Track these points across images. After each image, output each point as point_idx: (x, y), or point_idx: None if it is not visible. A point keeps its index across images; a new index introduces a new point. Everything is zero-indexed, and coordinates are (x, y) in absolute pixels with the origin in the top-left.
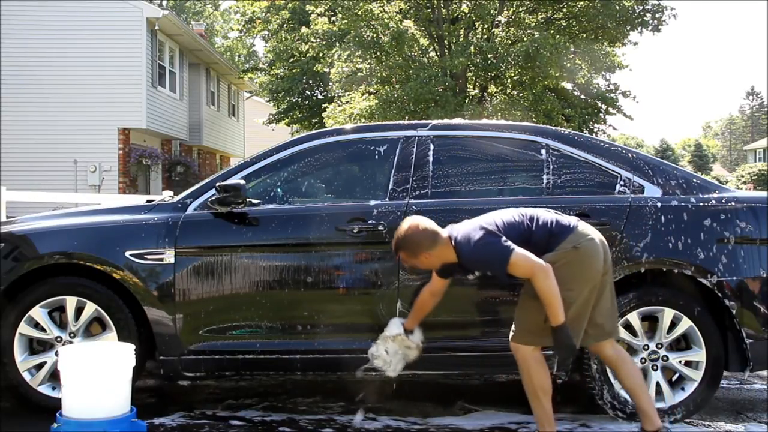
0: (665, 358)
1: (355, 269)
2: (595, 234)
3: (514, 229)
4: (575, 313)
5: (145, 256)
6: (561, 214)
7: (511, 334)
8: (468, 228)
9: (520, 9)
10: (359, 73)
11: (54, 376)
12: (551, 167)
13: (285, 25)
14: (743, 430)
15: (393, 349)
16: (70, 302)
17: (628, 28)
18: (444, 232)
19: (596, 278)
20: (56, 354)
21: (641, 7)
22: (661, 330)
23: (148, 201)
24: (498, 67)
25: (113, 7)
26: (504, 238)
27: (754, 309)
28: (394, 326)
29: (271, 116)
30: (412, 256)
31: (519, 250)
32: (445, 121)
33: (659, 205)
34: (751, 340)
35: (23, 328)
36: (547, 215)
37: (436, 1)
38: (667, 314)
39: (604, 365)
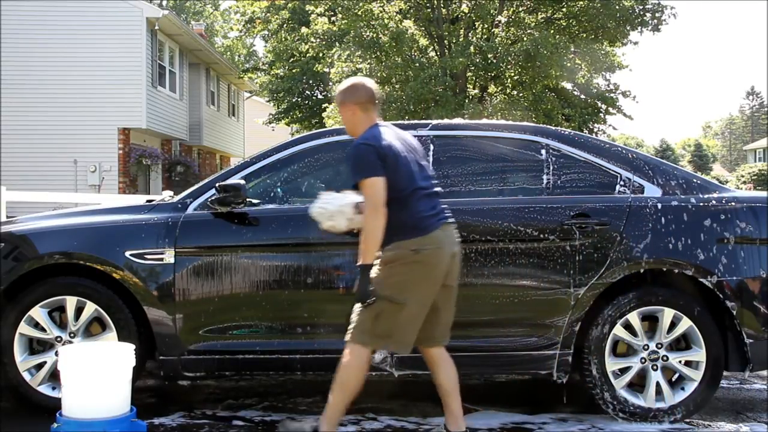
0: (665, 358)
1: (355, 269)
2: (447, 246)
3: (395, 178)
4: (408, 315)
5: (145, 256)
6: (442, 211)
7: (347, 334)
8: (375, 132)
9: (520, 9)
10: (359, 73)
11: (54, 376)
12: (551, 167)
13: (285, 25)
14: (748, 430)
15: (340, 210)
16: (70, 302)
17: (628, 27)
18: (374, 116)
19: (433, 287)
20: (56, 354)
21: (641, 7)
22: (661, 330)
23: (148, 201)
24: (498, 67)
25: (113, 7)
26: (382, 165)
27: (754, 309)
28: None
29: (271, 116)
30: (343, 101)
31: (380, 180)
32: (445, 121)
33: (659, 205)
34: (751, 340)
35: (23, 328)
36: (424, 204)
37: (436, 1)
38: (667, 314)
39: (604, 367)
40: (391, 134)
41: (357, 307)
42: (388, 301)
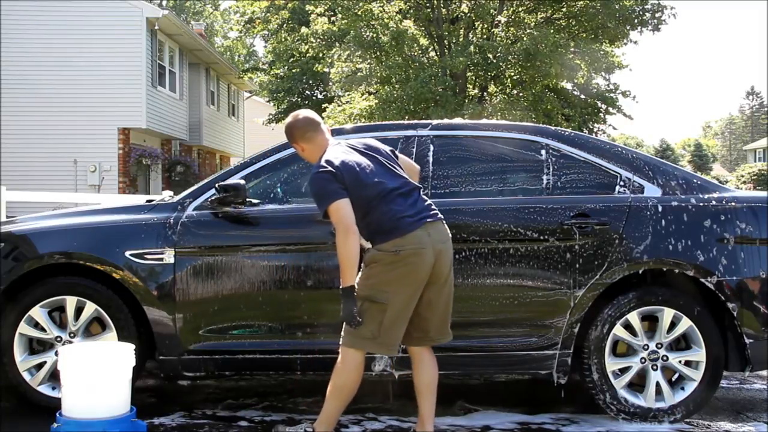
0: (665, 358)
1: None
2: (431, 245)
3: (361, 190)
4: (392, 316)
5: (145, 256)
6: (424, 209)
7: (341, 337)
8: (327, 156)
9: (520, 9)
10: (359, 73)
11: (54, 376)
12: (551, 167)
13: (285, 25)
14: (749, 430)
15: None
16: (70, 302)
17: (628, 27)
18: (324, 137)
19: (415, 287)
20: (56, 354)
21: (641, 7)
22: (661, 330)
23: (148, 201)
24: (498, 67)
25: (113, 7)
26: (341, 186)
27: (754, 309)
28: None
29: (271, 116)
30: (291, 141)
31: (343, 202)
32: (445, 121)
33: (659, 205)
34: (751, 340)
35: (23, 328)
36: (398, 204)
37: (436, 1)
38: (667, 314)
39: (604, 367)
40: (343, 150)
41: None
42: (369, 301)
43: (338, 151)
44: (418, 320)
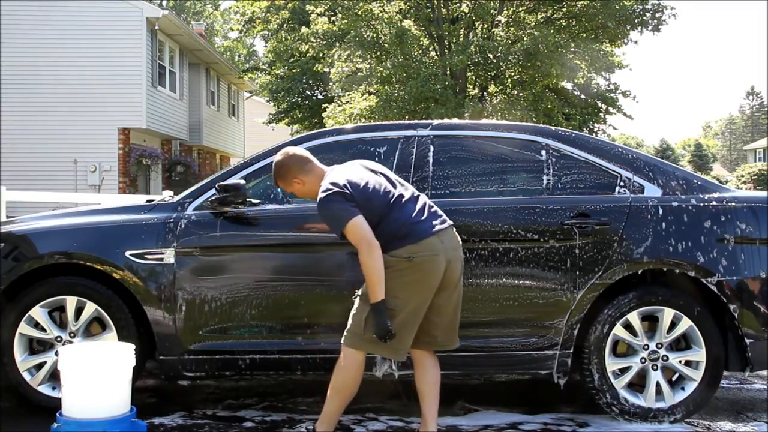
0: (665, 358)
1: (355, 269)
2: (444, 252)
3: (371, 203)
4: (402, 321)
5: (145, 256)
6: (434, 215)
7: (343, 336)
8: (329, 179)
9: (520, 9)
10: (359, 73)
11: (54, 376)
12: (551, 167)
13: (285, 25)
14: (749, 430)
15: None
16: (70, 302)
17: (628, 27)
18: (320, 166)
19: (427, 293)
20: (56, 354)
21: (641, 7)
22: (661, 330)
23: (148, 201)
24: (498, 67)
25: (113, 7)
26: (352, 204)
27: (755, 309)
28: None
29: (271, 116)
30: (287, 183)
31: (358, 220)
32: (445, 121)
33: (659, 205)
34: (751, 340)
35: (23, 327)
36: (409, 210)
37: (436, 1)
38: (667, 314)
39: (604, 367)
40: (343, 170)
41: (354, 308)
42: None
43: (339, 171)
44: (427, 325)
